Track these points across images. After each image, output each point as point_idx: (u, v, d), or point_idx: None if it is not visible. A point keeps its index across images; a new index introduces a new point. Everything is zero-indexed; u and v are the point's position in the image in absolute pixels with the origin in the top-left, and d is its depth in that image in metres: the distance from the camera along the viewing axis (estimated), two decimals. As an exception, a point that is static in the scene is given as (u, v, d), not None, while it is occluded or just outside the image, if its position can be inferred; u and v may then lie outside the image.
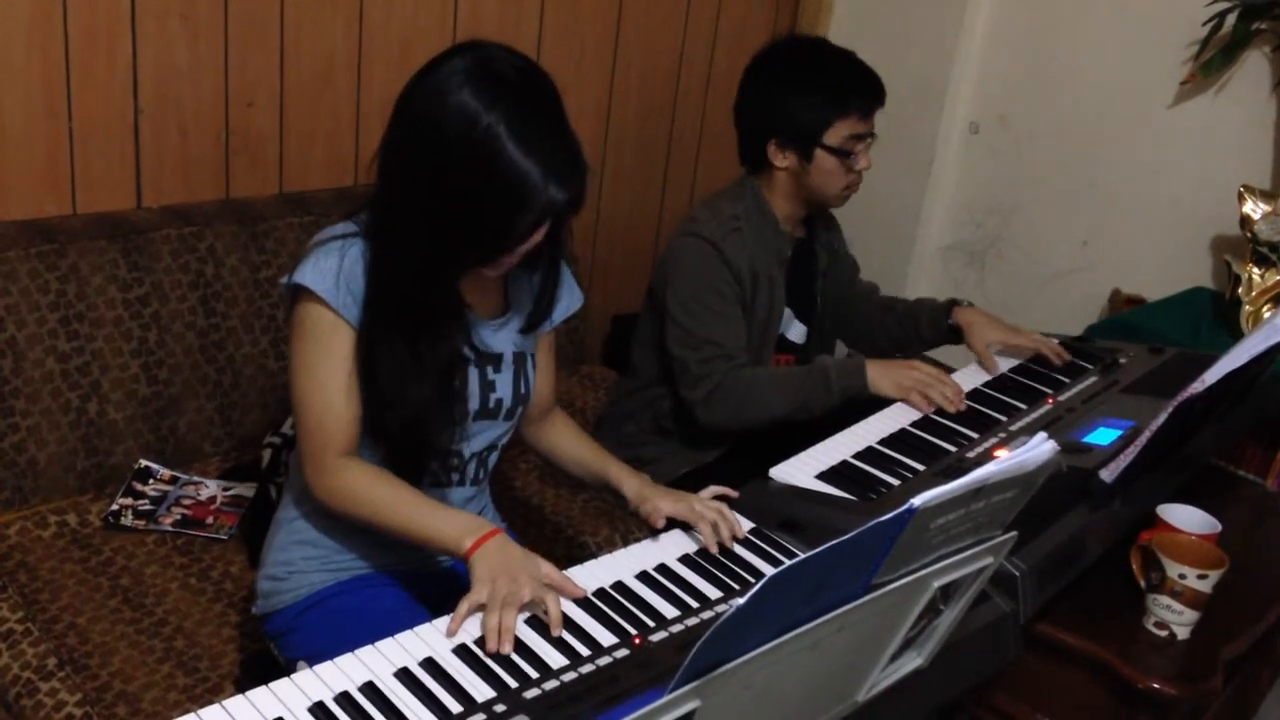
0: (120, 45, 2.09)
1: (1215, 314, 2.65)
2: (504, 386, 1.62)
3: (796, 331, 2.30)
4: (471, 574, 1.39)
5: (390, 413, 1.50)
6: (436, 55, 1.46)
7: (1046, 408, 2.02)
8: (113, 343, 2.03)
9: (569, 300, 1.71)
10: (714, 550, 1.56)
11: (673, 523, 1.61)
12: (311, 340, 1.49)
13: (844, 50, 2.14)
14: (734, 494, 1.68)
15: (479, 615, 1.35)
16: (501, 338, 1.62)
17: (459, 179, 1.39)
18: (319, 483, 1.51)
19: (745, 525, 1.62)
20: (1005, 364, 2.20)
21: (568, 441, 1.79)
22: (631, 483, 1.68)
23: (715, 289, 2.08)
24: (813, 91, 2.07)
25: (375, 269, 1.48)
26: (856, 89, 2.09)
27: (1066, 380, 2.14)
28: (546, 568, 1.42)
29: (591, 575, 1.48)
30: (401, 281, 1.46)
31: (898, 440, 1.90)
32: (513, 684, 1.26)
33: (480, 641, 1.32)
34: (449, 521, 1.46)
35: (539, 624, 1.37)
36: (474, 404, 1.59)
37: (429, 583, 1.66)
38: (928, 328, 2.29)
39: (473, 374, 1.58)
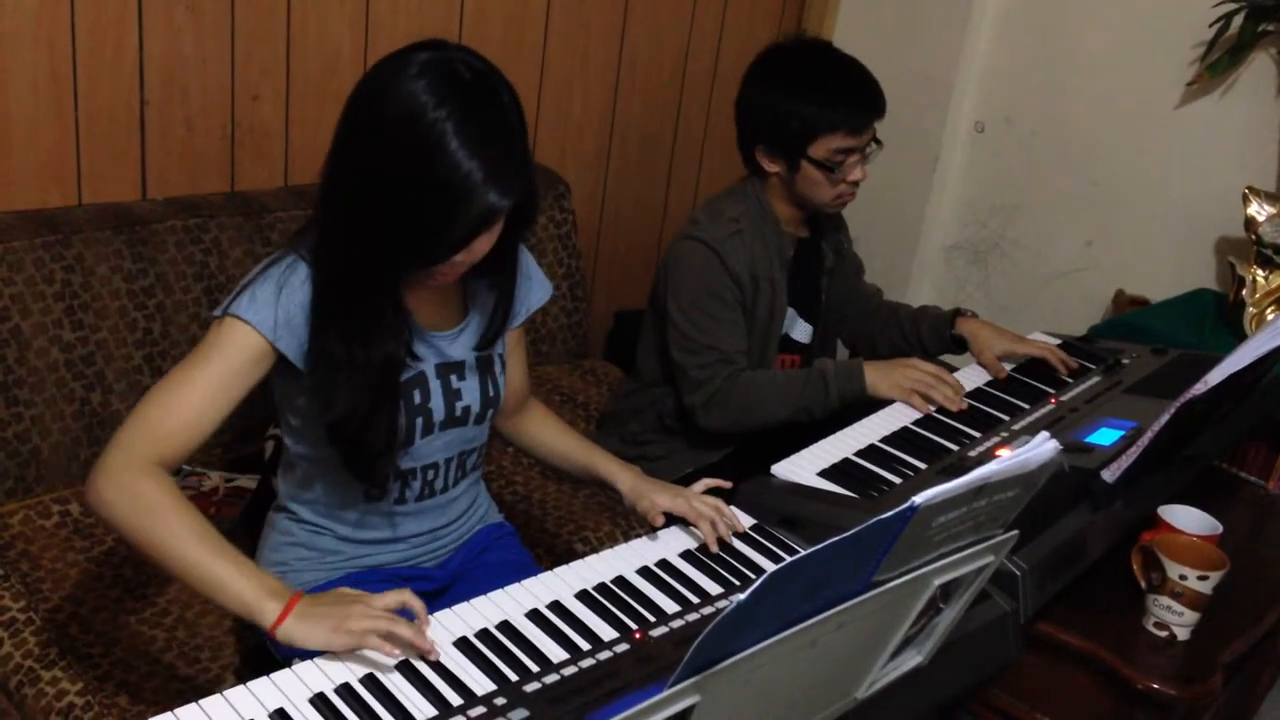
0: (127, 37, 2.09)
1: (1218, 316, 2.65)
2: (470, 393, 1.58)
3: (801, 331, 2.30)
4: (310, 644, 1.26)
5: (323, 413, 1.45)
6: (396, 50, 1.40)
7: (1049, 407, 2.02)
8: (117, 333, 2.04)
9: (536, 293, 1.67)
10: (714, 549, 1.55)
11: (671, 518, 1.61)
12: (212, 350, 1.41)
13: (845, 59, 2.10)
14: (727, 485, 1.67)
15: (446, 623, 1.34)
16: (461, 345, 1.58)
17: (398, 174, 1.33)
18: (112, 476, 1.33)
19: (745, 520, 1.62)
20: (1007, 364, 2.20)
21: (549, 434, 1.76)
22: (624, 477, 1.66)
23: (715, 294, 2.07)
24: (800, 104, 2.03)
25: (316, 267, 1.43)
26: (846, 104, 2.03)
27: (1069, 380, 2.14)
28: (364, 597, 1.30)
29: (593, 570, 1.49)
30: (337, 281, 1.41)
31: (900, 438, 1.90)
32: (513, 677, 1.26)
33: (481, 634, 1.33)
34: (251, 576, 1.30)
35: (540, 618, 1.37)
36: (439, 414, 1.55)
37: (420, 581, 1.65)
38: (930, 337, 2.29)
39: (435, 384, 1.55)
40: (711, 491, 1.65)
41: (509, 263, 1.57)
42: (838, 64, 2.09)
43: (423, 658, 1.28)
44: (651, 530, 1.61)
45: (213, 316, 1.45)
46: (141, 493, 1.33)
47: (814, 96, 2.03)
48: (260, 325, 1.40)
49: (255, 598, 1.28)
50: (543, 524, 2.18)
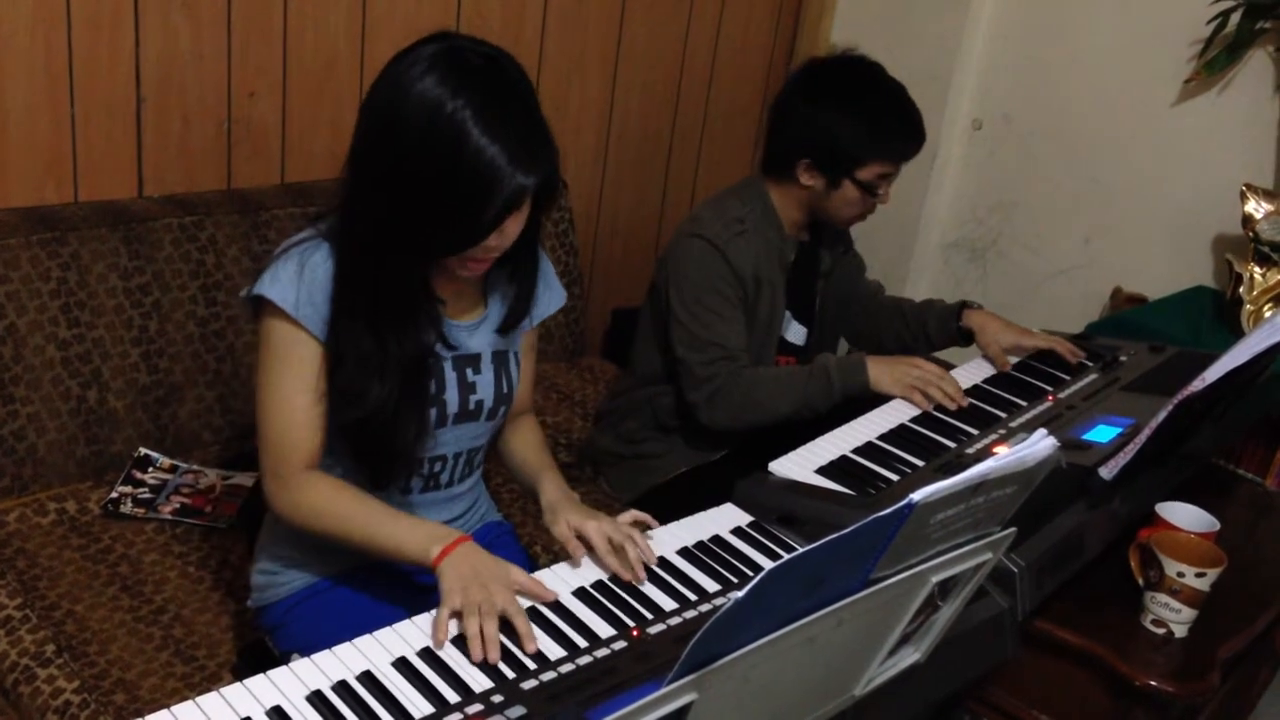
0: (123, 33, 2.09)
1: (1216, 313, 2.65)
2: (485, 387, 1.59)
3: (795, 333, 2.30)
4: (441, 583, 1.37)
5: (352, 407, 1.47)
6: (404, 47, 1.43)
7: (1046, 405, 2.02)
8: (113, 331, 2.03)
9: (550, 298, 1.69)
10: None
11: (675, 523, 1.60)
12: (273, 353, 1.47)
13: (898, 85, 2.11)
14: (654, 524, 1.59)
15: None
16: (479, 338, 1.59)
17: (424, 168, 1.36)
18: (280, 498, 1.49)
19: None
20: (1013, 358, 2.20)
21: (523, 446, 1.74)
22: (549, 494, 1.61)
23: (718, 291, 2.07)
24: (857, 127, 2.04)
25: (343, 263, 1.45)
26: (901, 134, 2.07)
27: (1067, 377, 2.14)
28: (516, 573, 1.40)
29: (590, 567, 1.49)
30: (369, 275, 1.44)
31: (897, 436, 1.90)
32: (510, 675, 1.26)
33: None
34: (414, 531, 1.44)
35: (536, 614, 1.37)
36: (453, 407, 1.56)
37: (424, 576, 1.65)
38: (936, 330, 2.29)
39: (451, 376, 1.56)
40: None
41: (531, 247, 1.58)
42: (892, 92, 2.10)
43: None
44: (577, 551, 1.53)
45: (240, 296, 1.52)
46: (301, 504, 1.49)
47: (871, 122, 2.05)
48: (285, 304, 1.44)
49: (419, 551, 1.42)
50: (540, 522, 2.16)
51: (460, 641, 1.31)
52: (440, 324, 1.52)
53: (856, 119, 2.05)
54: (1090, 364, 2.20)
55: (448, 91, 1.35)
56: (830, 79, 2.12)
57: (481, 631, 1.30)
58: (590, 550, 1.50)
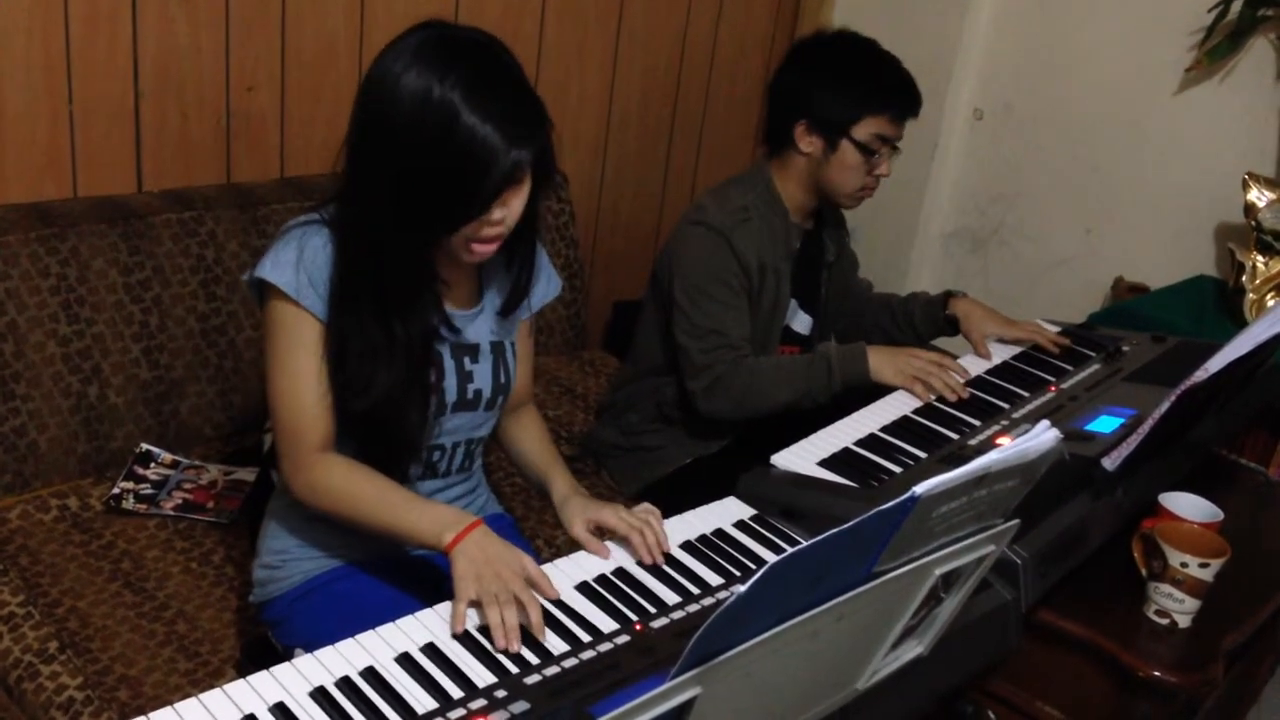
0: (121, 28, 2.08)
1: (1218, 302, 2.65)
2: (482, 377, 1.60)
3: (802, 322, 2.30)
4: (453, 570, 1.37)
5: (359, 397, 1.48)
6: (395, 37, 1.44)
7: (1049, 395, 2.02)
8: (113, 326, 2.03)
9: (546, 287, 1.70)
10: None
11: (670, 509, 1.60)
12: (280, 336, 1.48)
13: (891, 55, 2.14)
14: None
15: (444, 615, 1.34)
16: (477, 327, 1.60)
17: (419, 155, 1.38)
18: (296, 479, 1.50)
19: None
20: (1007, 352, 2.20)
21: (528, 438, 1.75)
22: (560, 488, 1.63)
23: (721, 279, 2.07)
24: (852, 82, 2.08)
25: (345, 250, 1.46)
26: (895, 91, 2.10)
27: (1069, 368, 2.14)
28: (527, 561, 1.40)
29: (593, 561, 1.48)
30: (371, 261, 1.45)
31: (900, 427, 1.90)
32: (513, 669, 1.26)
33: (483, 629, 1.32)
34: (427, 516, 1.45)
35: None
36: (451, 395, 1.57)
37: (425, 568, 1.65)
38: (923, 321, 2.29)
39: (449, 364, 1.56)
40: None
41: (529, 234, 1.58)
42: (884, 56, 2.14)
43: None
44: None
45: (243, 280, 1.54)
46: (316, 485, 1.50)
47: (866, 77, 2.09)
48: (285, 286, 1.45)
49: (432, 537, 1.43)
50: (542, 515, 2.17)
51: (464, 636, 1.31)
52: (443, 306, 1.54)
53: (849, 75, 2.09)
54: (1091, 353, 2.20)
55: (435, 76, 1.36)
56: (824, 46, 2.16)
57: (503, 621, 1.31)
58: (612, 535, 1.52)
